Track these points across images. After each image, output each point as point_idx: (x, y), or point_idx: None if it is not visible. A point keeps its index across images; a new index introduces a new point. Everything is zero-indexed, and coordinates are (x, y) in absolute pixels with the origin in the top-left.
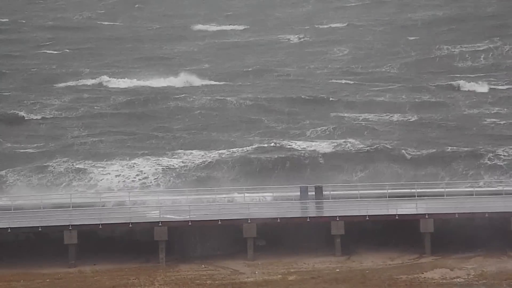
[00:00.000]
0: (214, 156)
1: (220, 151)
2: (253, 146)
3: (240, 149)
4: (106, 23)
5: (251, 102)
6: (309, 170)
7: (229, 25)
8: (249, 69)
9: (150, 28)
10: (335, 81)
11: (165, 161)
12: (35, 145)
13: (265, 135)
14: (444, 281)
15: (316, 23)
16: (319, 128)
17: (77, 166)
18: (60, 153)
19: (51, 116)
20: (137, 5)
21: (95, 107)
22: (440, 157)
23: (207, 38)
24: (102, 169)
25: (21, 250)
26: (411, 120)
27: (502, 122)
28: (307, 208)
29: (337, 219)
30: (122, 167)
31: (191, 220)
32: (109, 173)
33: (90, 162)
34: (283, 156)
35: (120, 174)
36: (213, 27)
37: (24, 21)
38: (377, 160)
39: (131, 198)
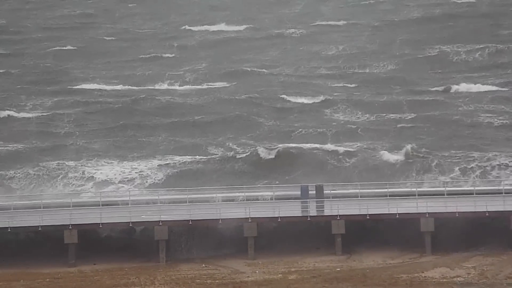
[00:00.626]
0: (205, 158)
1: (212, 154)
2: (247, 146)
3: (234, 149)
4: (100, 23)
5: (244, 102)
6: (305, 169)
7: (223, 24)
8: (244, 69)
9: (145, 28)
10: (329, 80)
11: (157, 162)
12: (28, 143)
13: (259, 136)
14: (444, 280)
15: (311, 22)
16: (311, 129)
17: (69, 164)
18: (52, 151)
19: (43, 115)
20: (131, 5)
21: (88, 107)
22: (435, 153)
23: (201, 38)
24: (93, 167)
25: (21, 249)
26: (406, 119)
27: (498, 119)
28: (307, 207)
29: (338, 218)
30: (115, 167)
31: (191, 220)
32: (101, 171)
33: (83, 161)
34: (278, 156)
35: (114, 169)
36: (206, 27)
37: (21, 23)
38: (371, 157)
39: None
